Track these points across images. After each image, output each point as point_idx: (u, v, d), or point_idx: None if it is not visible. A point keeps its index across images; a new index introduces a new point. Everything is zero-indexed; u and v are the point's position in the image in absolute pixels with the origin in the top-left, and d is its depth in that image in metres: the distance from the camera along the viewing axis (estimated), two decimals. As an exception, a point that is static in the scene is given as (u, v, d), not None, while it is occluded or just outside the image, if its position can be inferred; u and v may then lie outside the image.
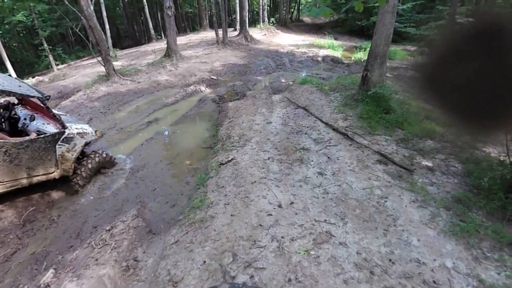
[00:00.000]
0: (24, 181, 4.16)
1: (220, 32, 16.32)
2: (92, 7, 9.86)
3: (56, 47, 21.68)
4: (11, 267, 3.54)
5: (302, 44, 17.01)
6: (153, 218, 4.27)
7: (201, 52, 15.25)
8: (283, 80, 11.37)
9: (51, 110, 4.42)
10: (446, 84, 0.58)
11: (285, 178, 4.13)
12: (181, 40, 19.44)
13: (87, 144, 5.10)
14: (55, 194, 4.90)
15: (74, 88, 11.59)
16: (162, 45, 17.78)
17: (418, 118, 5.57)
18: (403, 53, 12.37)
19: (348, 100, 6.70)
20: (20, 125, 4.57)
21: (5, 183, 3.94)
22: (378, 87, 5.92)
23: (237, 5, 18.73)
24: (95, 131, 5.28)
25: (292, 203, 3.58)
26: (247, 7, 16.40)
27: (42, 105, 4.41)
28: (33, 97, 4.15)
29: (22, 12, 17.41)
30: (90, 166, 5.01)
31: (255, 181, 4.15)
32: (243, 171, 4.50)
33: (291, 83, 10.68)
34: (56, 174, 4.54)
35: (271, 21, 24.03)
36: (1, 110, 4.78)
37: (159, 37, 26.05)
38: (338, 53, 15.11)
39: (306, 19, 26.88)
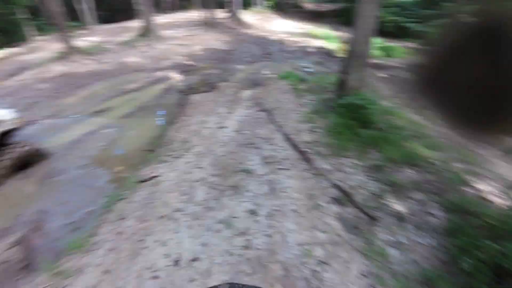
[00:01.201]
0: None
1: (209, 13, 14.87)
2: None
3: (39, 17, 20.07)
4: None
5: (296, 33, 15.57)
6: (42, 246, 3.27)
7: (183, 33, 13.89)
8: (264, 72, 10.13)
9: None
10: (454, 86, 0.55)
11: (205, 215, 3.06)
12: (166, 18, 17.99)
13: (4, 134, 4.34)
14: None
15: (34, 65, 10.35)
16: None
17: (402, 135, 4.49)
18: (402, 50, 11.08)
19: (322, 106, 5.56)
20: None
21: None
22: (354, 94, 4.79)
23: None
24: (17, 119, 4.51)
25: (195, 259, 2.53)
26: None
27: None
28: None
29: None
30: (6, 162, 4.18)
31: (165, 215, 3.09)
32: (160, 196, 3.43)
33: (271, 76, 9.49)
34: None
35: (268, 4, 22.31)
36: None
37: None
38: (333, 46, 13.77)
39: (308, 6, 25.13)
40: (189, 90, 8.30)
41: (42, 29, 18.91)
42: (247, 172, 3.76)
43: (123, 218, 3.13)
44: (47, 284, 2.47)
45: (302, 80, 7.73)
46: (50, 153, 4.95)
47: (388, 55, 11.21)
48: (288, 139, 4.54)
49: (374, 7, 4.50)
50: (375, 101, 4.94)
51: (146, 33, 12.18)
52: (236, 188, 3.46)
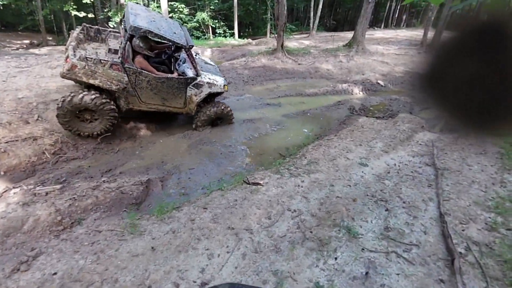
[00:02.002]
0: (160, 107, 5.22)
1: (433, 32, 12.60)
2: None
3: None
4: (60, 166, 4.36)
5: None
6: (156, 194, 4.01)
7: (392, 51, 12.58)
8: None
9: (193, 58, 5.09)
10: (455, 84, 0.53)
11: (267, 255, 2.55)
12: (385, 33, 16.89)
13: (213, 94, 5.60)
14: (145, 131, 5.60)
15: (250, 55, 12.64)
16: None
17: None
18: None
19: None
20: (176, 63, 5.59)
21: (146, 104, 5.08)
22: None
23: None
24: (224, 85, 5.66)
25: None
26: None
27: (186, 53, 5.00)
28: (178, 44, 4.73)
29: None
30: (208, 112, 5.60)
31: (233, 228, 2.85)
32: (246, 205, 3.22)
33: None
34: (182, 110, 5.44)
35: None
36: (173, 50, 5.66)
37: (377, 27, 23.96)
38: None
39: None
40: (362, 110, 7.47)
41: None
42: (350, 232, 2.83)
43: (205, 209, 3.18)
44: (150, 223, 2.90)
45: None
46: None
47: None
48: (442, 221, 3.04)
49: None
50: None
51: (353, 44, 11.95)
52: (322, 245, 2.68)
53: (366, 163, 4.24)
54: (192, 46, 4.96)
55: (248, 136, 5.81)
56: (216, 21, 20.81)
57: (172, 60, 5.59)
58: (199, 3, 21.15)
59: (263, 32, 23.79)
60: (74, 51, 4.56)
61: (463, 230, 2.98)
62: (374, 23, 29.41)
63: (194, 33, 20.49)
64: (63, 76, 4.39)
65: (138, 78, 4.72)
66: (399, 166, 4.19)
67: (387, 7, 27.46)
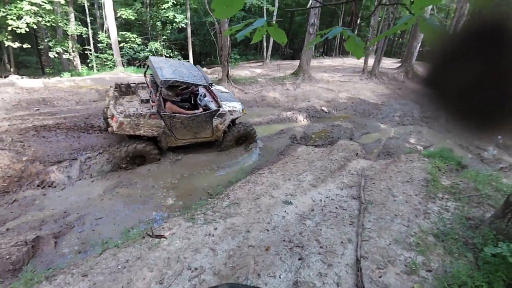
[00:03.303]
0: (193, 140, 5.92)
1: (372, 60, 13.46)
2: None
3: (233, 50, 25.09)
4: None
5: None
6: None
7: (337, 78, 13.12)
8: (410, 140, 7.79)
9: (213, 94, 6.18)
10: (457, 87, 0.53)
11: None
12: (333, 61, 17.81)
13: (234, 120, 6.36)
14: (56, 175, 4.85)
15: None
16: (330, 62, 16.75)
17: None
18: None
19: (458, 231, 3.22)
20: (198, 99, 6.30)
21: (181, 140, 5.75)
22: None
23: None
24: (243, 109, 6.44)
25: None
26: (420, 38, 12.53)
27: (207, 90, 6.16)
28: (200, 85, 5.69)
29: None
30: (233, 134, 6.32)
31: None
32: (138, 265, 2.69)
33: (417, 148, 7.10)
34: (211, 138, 6.11)
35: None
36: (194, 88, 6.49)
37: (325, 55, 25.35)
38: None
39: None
40: (303, 139, 7.38)
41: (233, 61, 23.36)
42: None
43: (84, 276, 2.60)
44: None
45: (457, 169, 5.17)
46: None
47: None
48: (358, 268, 2.75)
49: None
50: None
51: (299, 72, 12.29)
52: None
53: (291, 200, 3.94)
54: (212, 84, 5.83)
55: (176, 175, 5.33)
56: (170, 50, 20.68)
57: (192, 97, 6.53)
58: (153, 33, 21.00)
59: (220, 61, 24.06)
60: (116, 109, 5.23)
61: (380, 277, 2.70)
62: (326, 52, 31.29)
63: (147, 63, 20.09)
64: (114, 132, 5.04)
65: (172, 121, 5.46)
66: (324, 201, 3.95)
67: (338, 37, 29.57)
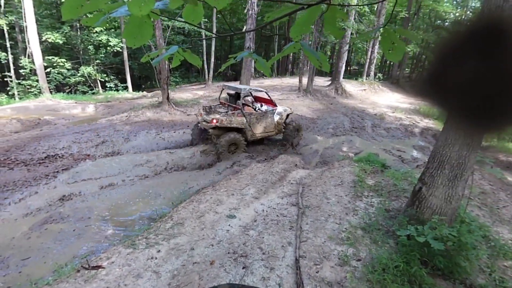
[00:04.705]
0: (263, 134, 7.89)
1: (306, 79, 14.74)
2: (162, 40, 10.16)
3: (175, 72, 24.94)
4: None
5: (402, 108, 13.37)
6: None
7: (276, 96, 13.95)
8: (343, 149, 8.60)
9: (269, 97, 8.34)
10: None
11: None
12: (272, 81, 18.92)
13: (287, 116, 8.39)
14: None
15: (138, 107, 12.08)
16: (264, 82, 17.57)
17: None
18: None
19: (380, 222, 3.72)
20: (260, 105, 8.50)
21: (256, 134, 7.66)
22: (433, 221, 2.91)
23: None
24: (290, 108, 8.71)
25: None
26: (344, 58, 14.28)
27: (267, 95, 8.34)
28: (261, 91, 8.36)
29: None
30: (291, 127, 8.29)
31: None
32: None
33: (349, 155, 7.86)
34: (274, 133, 8.12)
35: (377, 77, 20.68)
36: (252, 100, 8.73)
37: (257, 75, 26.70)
38: (450, 130, 10.89)
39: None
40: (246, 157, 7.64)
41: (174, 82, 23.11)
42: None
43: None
44: None
45: (381, 170, 5.88)
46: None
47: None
48: (297, 266, 2.97)
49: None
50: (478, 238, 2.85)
51: (240, 92, 12.79)
52: None
53: (234, 214, 4.07)
54: (267, 92, 8.29)
55: (114, 203, 5.06)
56: (106, 75, 19.68)
57: (255, 105, 8.50)
58: (84, 57, 19.82)
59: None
60: (213, 116, 7.07)
61: (317, 272, 2.96)
62: (280, 73, 33.07)
63: (79, 88, 18.74)
64: (217, 125, 6.90)
65: (250, 118, 7.38)
66: (266, 211, 4.17)
67: (291, 59, 31.88)
